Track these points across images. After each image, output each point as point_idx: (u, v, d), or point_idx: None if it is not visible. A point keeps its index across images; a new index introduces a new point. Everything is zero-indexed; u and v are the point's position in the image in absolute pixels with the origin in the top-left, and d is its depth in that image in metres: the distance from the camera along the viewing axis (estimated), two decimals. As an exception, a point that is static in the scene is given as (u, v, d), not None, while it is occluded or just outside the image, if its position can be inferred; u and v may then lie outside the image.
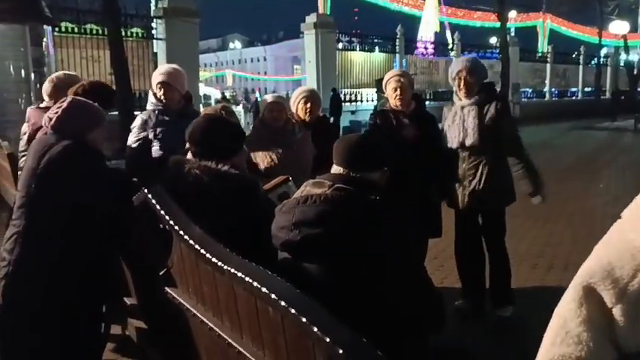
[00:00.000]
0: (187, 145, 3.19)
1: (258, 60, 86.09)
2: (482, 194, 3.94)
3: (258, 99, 28.74)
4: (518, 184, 4.07)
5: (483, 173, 3.93)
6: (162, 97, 3.77)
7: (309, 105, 4.06)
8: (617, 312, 1.12)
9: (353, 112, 20.30)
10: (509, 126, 4.00)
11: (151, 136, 3.70)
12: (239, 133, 2.69)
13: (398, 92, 4.03)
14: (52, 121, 2.78)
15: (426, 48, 25.86)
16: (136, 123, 3.81)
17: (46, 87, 3.87)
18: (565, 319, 1.16)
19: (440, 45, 28.14)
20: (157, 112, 3.77)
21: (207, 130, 2.56)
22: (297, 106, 4.07)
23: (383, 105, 4.22)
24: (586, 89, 34.87)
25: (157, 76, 3.82)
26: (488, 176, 3.92)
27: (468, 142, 3.89)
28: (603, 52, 38.84)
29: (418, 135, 4.01)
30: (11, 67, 8.46)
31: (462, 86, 3.93)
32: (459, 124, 3.93)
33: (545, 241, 6.26)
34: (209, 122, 2.66)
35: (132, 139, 3.78)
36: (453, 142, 3.97)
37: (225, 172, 2.41)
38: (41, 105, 3.96)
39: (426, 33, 32.65)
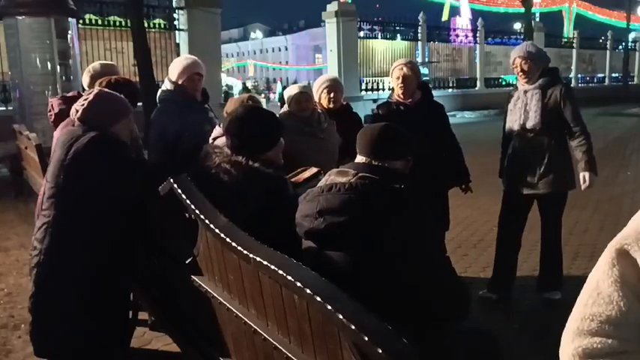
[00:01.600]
0: (214, 134, 3.21)
1: (280, 49, 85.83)
2: (545, 178, 3.94)
3: (279, 88, 28.65)
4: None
5: (545, 157, 3.92)
6: (195, 89, 3.77)
7: (332, 94, 4.03)
8: None
9: (375, 101, 20.19)
10: (572, 109, 3.97)
11: (179, 127, 3.64)
12: (277, 126, 2.65)
13: (400, 81, 4.00)
14: (79, 113, 2.83)
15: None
16: (155, 115, 3.78)
17: (84, 78, 3.92)
18: (597, 281, 1.19)
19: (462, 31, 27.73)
20: (177, 102, 3.72)
21: (245, 123, 2.53)
22: (321, 96, 4.05)
23: (390, 96, 4.20)
24: (613, 75, 34.12)
25: (187, 68, 3.76)
26: (551, 160, 3.92)
27: (529, 124, 3.92)
28: (631, 36, 37.95)
29: (421, 126, 3.93)
30: (37, 59, 8.57)
31: (519, 73, 3.97)
32: (520, 107, 3.98)
33: (571, 228, 6.16)
34: (247, 114, 2.60)
35: (153, 132, 3.76)
36: (513, 125, 4.01)
37: (256, 170, 2.39)
38: (67, 94, 4.03)
39: (463, 21, 32.07)
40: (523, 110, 3.95)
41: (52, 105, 3.87)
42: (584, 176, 3.98)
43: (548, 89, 3.92)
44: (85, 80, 3.89)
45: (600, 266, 1.21)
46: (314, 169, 2.90)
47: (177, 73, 3.78)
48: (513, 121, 4.01)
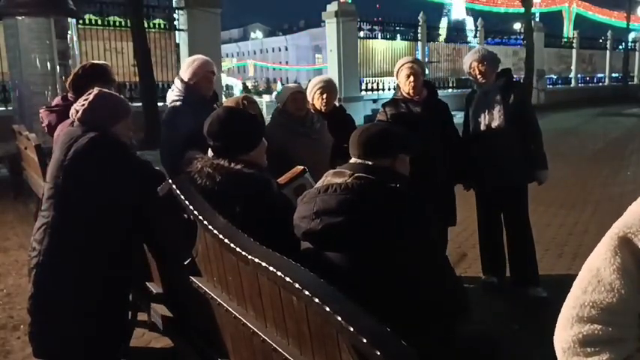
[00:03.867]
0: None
1: (280, 49, 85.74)
2: (507, 172, 4.11)
3: (279, 88, 28.55)
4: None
5: (508, 153, 4.08)
6: (208, 87, 3.76)
7: (325, 96, 4.03)
8: None
9: (375, 101, 20.18)
10: (528, 107, 4.26)
11: (191, 127, 3.59)
12: (258, 126, 2.64)
13: (411, 79, 4.02)
14: (79, 114, 2.83)
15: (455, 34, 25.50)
16: (170, 114, 3.73)
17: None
18: (598, 269, 1.20)
19: (462, 31, 27.71)
20: (190, 102, 3.66)
21: (225, 125, 2.52)
22: (314, 97, 4.05)
23: (395, 94, 4.22)
24: (613, 75, 34.11)
25: (202, 66, 3.72)
26: (513, 155, 4.09)
27: (494, 124, 4.11)
28: (631, 36, 37.96)
29: (431, 123, 3.98)
30: (37, 59, 8.54)
31: (477, 74, 4.16)
32: (483, 108, 4.16)
33: (570, 229, 6.18)
34: (227, 116, 2.59)
35: (168, 131, 3.70)
36: (478, 125, 4.18)
37: (237, 173, 2.38)
38: (52, 104, 4.04)
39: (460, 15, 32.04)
40: (487, 111, 4.14)
41: (41, 117, 3.89)
42: (538, 174, 4.19)
43: (507, 90, 4.11)
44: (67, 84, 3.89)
45: (601, 253, 1.21)
46: (299, 168, 2.90)
47: (191, 72, 3.72)
48: (478, 122, 4.18)
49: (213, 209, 2.21)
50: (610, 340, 1.18)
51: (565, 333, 1.23)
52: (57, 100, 4.03)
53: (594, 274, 1.20)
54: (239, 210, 2.27)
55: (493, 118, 4.10)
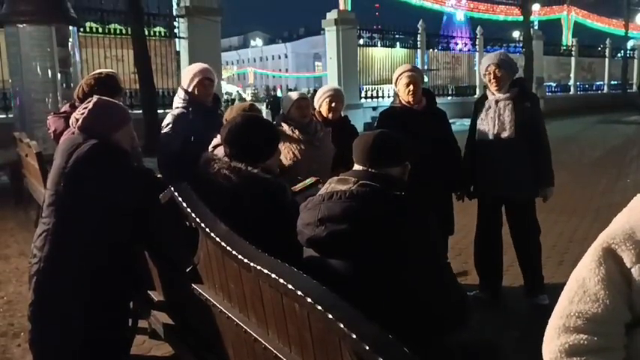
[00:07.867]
0: (214, 142, 3.21)
1: (280, 57, 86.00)
2: (514, 185, 4.03)
3: (279, 95, 28.60)
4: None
5: (517, 165, 4.00)
6: (206, 93, 3.84)
7: (334, 104, 4.05)
8: (635, 272, 1.18)
9: (374, 109, 20.22)
10: (540, 122, 4.10)
11: (187, 133, 3.71)
12: (275, 135, 2.68)
13: (411, 87, 4.00)
14: (79, 122, 2.84)
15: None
16: (169, 121, 3.83)
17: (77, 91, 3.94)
18: (584, 279, 1.23)
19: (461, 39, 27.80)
20: (191, 109, 3.80)
21: (243, 132, 2.55)
22: (322, 104, 4.07)
23: (393, 102, 4.21)
24: (612, 82, 34.22)
25: (198, 73, 3.84)
26: (521, 168, 4.00)
27: (504, 134, 3.98)
28: (630, 44, 38.09)
29: (428, 131, 3.96)
30: (38, 67, 8.57)
31: (492, 80, 4.00)
32: (493, 117, 4.02)
33: (570, 236, 6.18)
34: (245, 124, 2.60)
35: (167, 138, 3.81)
36: (487, 134, 4.05)
37: (255, 176, 2.41)
38: (60, 110, 4.07)
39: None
40: (497, 120, 4.00)
41: (49, 123, 3.92)
42: (543, 191, 4.09)
43: (519, 100, 3.98)
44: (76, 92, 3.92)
45: (586, 264, 1.24)
46: (313, 179, 2.91)
47: (188, 79, 3.86)
48: (486, 131, 4.06)
49: (227, 209, 2.23)
50: (596, 349, 1.19)
51: (552, 343, 1.24)
52: (65, 107, 4.06)
53: (580, 285, 1.23)
54: (251, 210, 2.29)
55: (504, 128, 3.97)
